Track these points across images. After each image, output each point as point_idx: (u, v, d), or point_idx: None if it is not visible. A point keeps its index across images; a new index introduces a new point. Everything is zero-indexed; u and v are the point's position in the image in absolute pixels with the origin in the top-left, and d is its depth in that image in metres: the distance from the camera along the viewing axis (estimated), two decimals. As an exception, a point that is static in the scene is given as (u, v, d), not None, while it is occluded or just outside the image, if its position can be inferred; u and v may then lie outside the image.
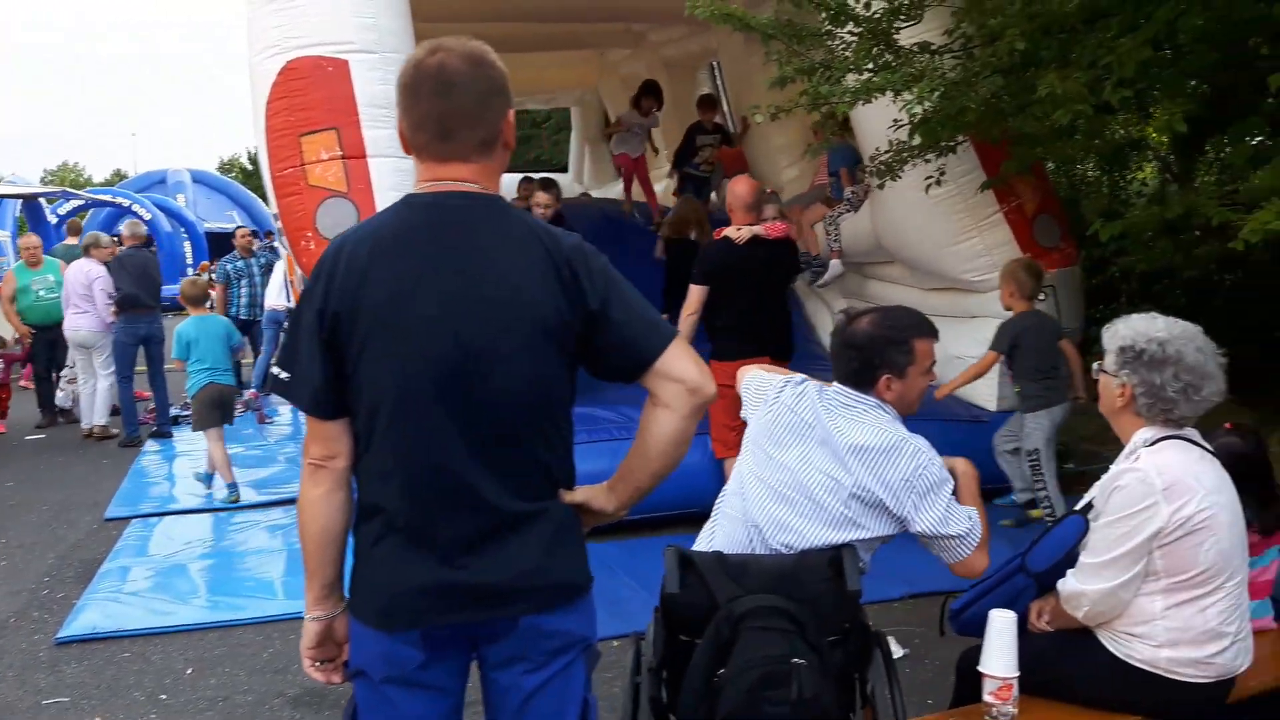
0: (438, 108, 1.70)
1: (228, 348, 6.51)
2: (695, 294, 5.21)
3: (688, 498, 5.27)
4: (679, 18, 8.32)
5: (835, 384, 2.48)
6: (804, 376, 2.56)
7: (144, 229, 9.48)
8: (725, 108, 10.73)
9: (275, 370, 1.75)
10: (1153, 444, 2.33)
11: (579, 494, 1.83)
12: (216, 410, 6.36)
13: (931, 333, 2.48)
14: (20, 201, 17.08)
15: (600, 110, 13.92)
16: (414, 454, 1.68)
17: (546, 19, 8.95)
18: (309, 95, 4.83)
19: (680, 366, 1.74)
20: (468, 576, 1.68)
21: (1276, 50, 4.50)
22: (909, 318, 2.48)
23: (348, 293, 1.67)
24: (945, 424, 5.57)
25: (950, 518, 2.31)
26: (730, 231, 5.19)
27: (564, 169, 16.51)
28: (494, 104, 1.73)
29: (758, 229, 5.22)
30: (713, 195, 8.97)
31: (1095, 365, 2.46)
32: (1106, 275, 8.41)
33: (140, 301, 8.20)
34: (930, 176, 5.09)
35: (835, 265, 7.06)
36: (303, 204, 4.78)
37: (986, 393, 5.75)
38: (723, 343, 5.22)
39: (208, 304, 6.77)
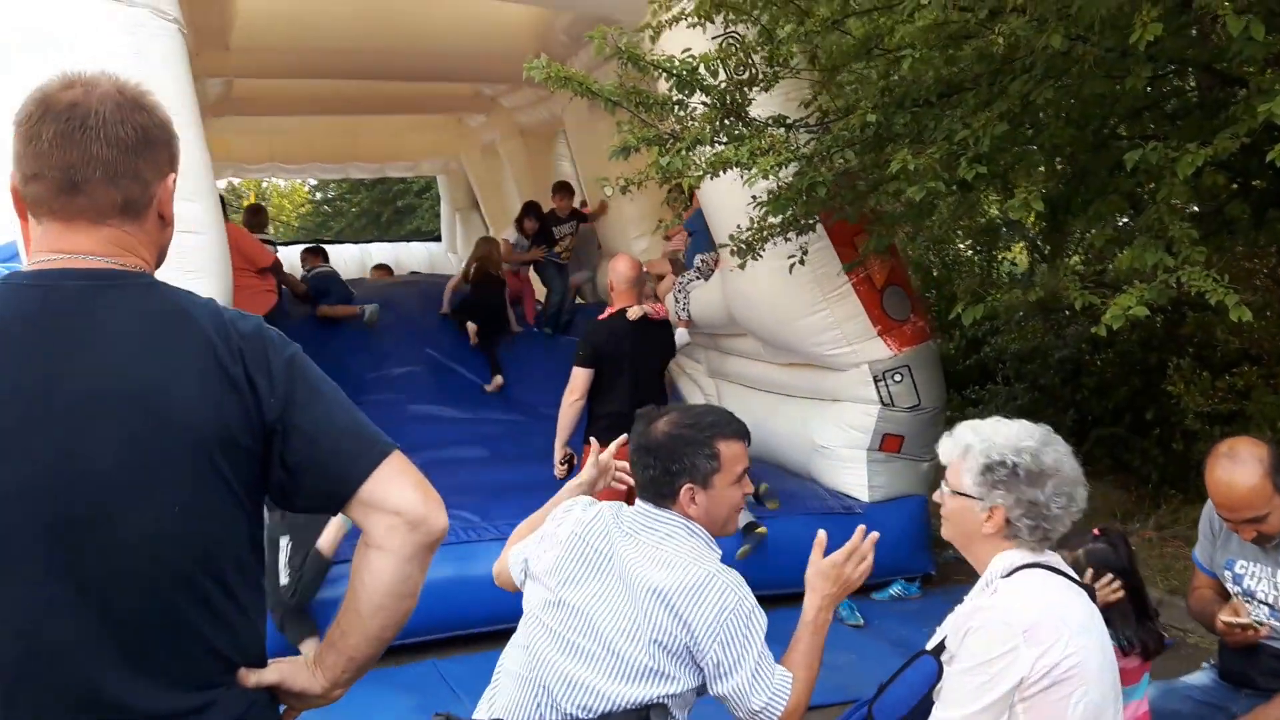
0: (64, 152, 1.25)
1: None
2: (581, 377, 4.75)
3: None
4: (522, 81, 7.95)
5: (637, 500, 2.08)
6: (591, 500, 2.15)
7: None
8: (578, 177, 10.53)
9: None
10: (1010, 574, 1.97)
11: (269, 673, 1.36)
12: None
13: (740, 434, 2.09)
14: None
15: (464, 179, 13.47)
16: (6, 633, 1.19)
17: (374, 76, 8.38)
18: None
19: (397, 493, 1.31)
20: None
21: (1132, 129, 4.40)
22: (713, 415, 2.09)
23: None
24: (811, 517, 5.23)
25: (755, 684, 1.89)
26: (631, 310, 4.83)
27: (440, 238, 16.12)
28: (147, 159, 1.30)
29: (646, 308, 4.94)
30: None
31: (944, 489, 2.09)
32: (979, 356, 8.35)
33: None
34: (793, 256, 4.82)
35: (681, 334, 6.75)
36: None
37: (856, 481, 5.44)
38: (602, 429, 4.69)
39: None
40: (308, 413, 1.31)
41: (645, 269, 6.96)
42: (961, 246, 9.30)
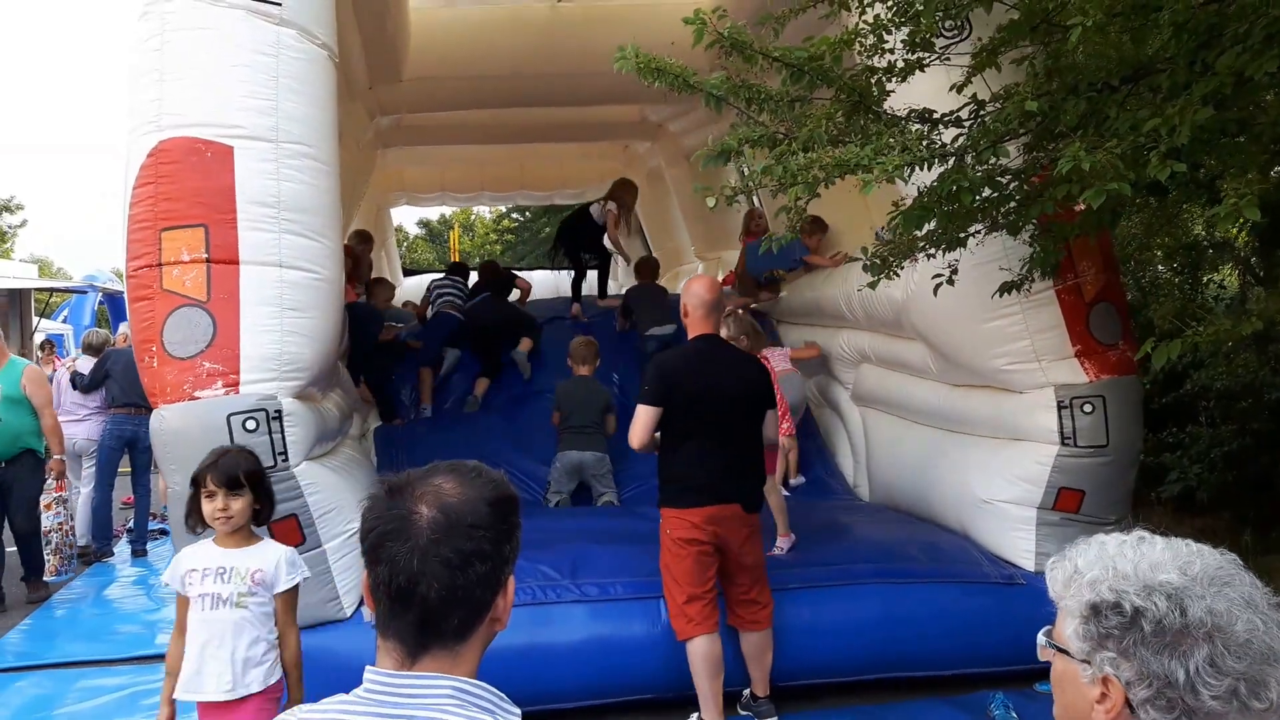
0: None
1: None
2: (644, 417, 3.94)
3: (631, 682, 4.19)
4: (687, 104, 7.58)
5: (366, 674, 1.22)
6: None
7: None
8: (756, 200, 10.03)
9: None
10: None
11: None
12: None
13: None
14: (100, 294, 16.90)
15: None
16: None
17: (545, 102, 8.30)
18: (178, 183, 3.89)
19: None
20: None
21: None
22: (475, 464, 1.30)
23: None
24: (967, 587, 4.43)
25: None
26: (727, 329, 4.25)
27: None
28: None
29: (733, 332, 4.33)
30: None
31: (1040, 639, 1.30)
32: (1180, 392, 7.21)
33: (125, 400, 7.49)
34: (939, 275, 4.07)
35: None
36: (152, 311, 3.88)
37: (1022, 546, 4.58)
38: (677, 487, 3.98)
39: None
40: None
41: None
42: (1160, 268, 8.17)
